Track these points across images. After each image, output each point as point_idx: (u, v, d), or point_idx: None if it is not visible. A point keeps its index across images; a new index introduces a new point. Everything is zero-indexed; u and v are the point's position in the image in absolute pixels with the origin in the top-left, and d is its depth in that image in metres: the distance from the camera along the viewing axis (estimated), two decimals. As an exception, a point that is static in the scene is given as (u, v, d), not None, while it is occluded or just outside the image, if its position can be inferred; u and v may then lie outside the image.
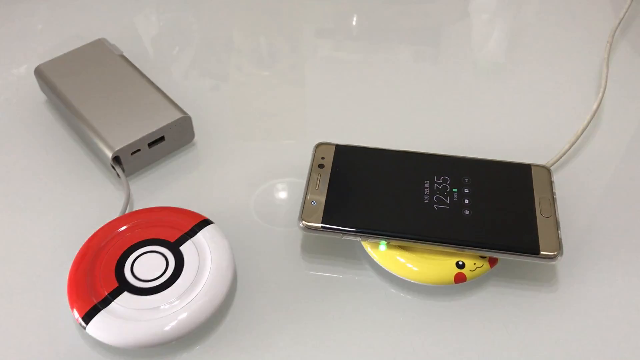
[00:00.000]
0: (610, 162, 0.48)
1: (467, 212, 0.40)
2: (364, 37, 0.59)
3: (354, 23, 0.61)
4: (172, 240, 0.40)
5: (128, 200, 0.44)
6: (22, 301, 0.40)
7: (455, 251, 0.39)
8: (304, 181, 0.42)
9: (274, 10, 0.62)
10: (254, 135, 0.50)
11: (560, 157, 0.46)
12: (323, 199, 0.41)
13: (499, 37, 0.59)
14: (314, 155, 0.44)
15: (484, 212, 0.40)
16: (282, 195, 0.46)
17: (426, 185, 0.42)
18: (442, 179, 0.42)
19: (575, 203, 0.45)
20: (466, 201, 0.41)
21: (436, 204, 0.41)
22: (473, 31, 0.60)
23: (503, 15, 0.62)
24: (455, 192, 0.41)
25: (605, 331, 0.38)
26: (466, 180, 0.42)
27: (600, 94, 0.50)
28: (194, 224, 0.40)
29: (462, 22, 0.61)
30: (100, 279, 0.38)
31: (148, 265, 0.38)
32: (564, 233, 0.42)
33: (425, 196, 0.41)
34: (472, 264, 0.39)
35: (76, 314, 0.36)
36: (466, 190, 0.41)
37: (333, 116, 0.51)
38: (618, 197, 0.45)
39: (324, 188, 0.42)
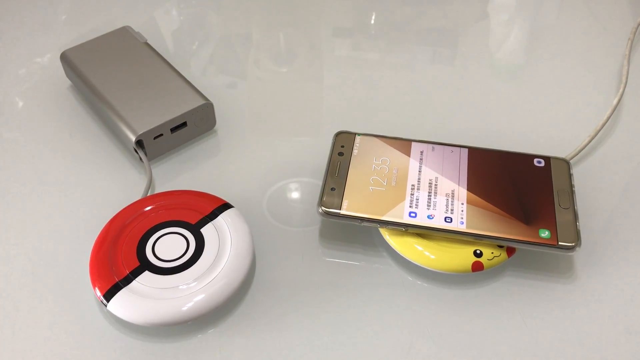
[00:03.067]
0: (630, 156, 0.47)
1: (485, 201, 0.40)
2: (381, 36, 0.59)
3: (372, 22, 0.61)
4: (193, 222, 0.40)
5: (150, 183, 0.44)
6: (45, 278, 0.40)
7: (473, 240, 0.39)
8: (322, 173, 0.43)
9: (292, 7, 0.63)
10: (272, 128, 0.50)
11: (580, 151, 0.46)
12: (342, 186, 0.41)
13: (519, 37, 0.60)
14: (334, 143, 0.44)
15: (502, 201, 0.40)
16: (300, 186, 0.46)
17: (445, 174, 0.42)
18: (462, 169, 0.42)
19: (594, 196, 0.45)
20: (485, 190, 0.41)
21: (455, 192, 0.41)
22: (492, 31, 0.60)
23: (522, 14, 0.62)
24: (474, 181, 0.41)
25: (621, 324, 0.38)
26: (485, 170, 0.42)
27: (621, 90, 0.50)
28: (215, 207, 0.41)
29: (481, 22, 0.61)
30: (122, 258, 0.38)
31: (169, 245, 0.39)
32: (582, 225, 0.42)
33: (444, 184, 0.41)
34: (490, 252, 0.39)
35: (98, 292, 0.37)
36: (485, 180, 0.41)
37: (350, 114, 0.51)
38: (636, 190, 0.45)
39: (344, 175, 0.42)
